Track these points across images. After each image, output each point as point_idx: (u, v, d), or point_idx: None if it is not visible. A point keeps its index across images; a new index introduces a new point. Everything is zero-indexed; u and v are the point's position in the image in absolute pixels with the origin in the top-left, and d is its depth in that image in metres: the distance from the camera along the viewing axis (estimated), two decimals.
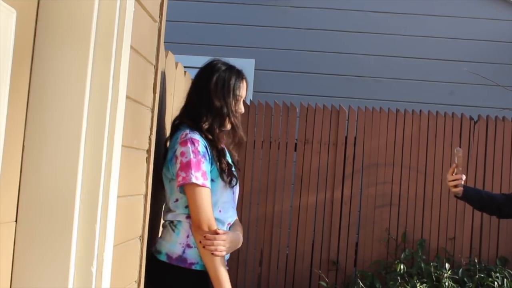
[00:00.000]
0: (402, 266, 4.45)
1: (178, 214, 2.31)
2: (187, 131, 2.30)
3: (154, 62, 1.94)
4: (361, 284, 4.39)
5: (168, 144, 2.41)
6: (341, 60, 6.21)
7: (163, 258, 2.29)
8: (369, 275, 4.54)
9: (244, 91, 2.47)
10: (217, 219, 2.29)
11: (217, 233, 2.22)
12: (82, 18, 1.40)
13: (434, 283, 4.37)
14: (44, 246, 1.37)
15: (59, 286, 1.37)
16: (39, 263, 1.36)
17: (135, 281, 1.90)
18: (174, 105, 2.90)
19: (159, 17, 1.96)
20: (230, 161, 2.43)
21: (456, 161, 2.97)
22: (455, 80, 6.14)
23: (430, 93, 6.10)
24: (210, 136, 2.32)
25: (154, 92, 1.95)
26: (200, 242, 2.22)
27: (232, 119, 2.41)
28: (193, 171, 2.21)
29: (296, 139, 4.80)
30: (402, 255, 4.58)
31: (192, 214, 2.23)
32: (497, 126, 4.84)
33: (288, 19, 6.27)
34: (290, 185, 4.80)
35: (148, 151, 1.93)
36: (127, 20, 1.50)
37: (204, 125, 2.34)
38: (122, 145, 1.54)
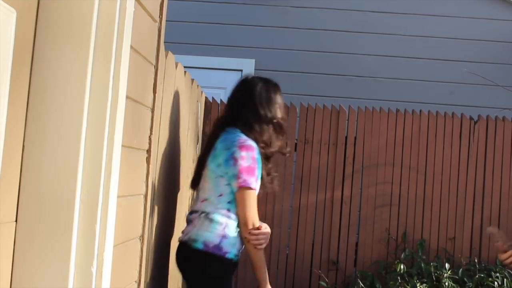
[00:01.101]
0: (402, 266, 4.45)
1: (219, 208, 2.54)
2: (244, 137, 2.56)
3: (154, 62, 1.94)
4: (361, 284, 4.39)
5: (214, 143, 2.61)
6: (341, 60, 6.20)
7: (199, 246, 2.52)
8: (369, 275, 4.54)
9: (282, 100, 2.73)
10: None
11: (259, 229, 2.54)
12: (82, 18, 1.40)
13: (434, 283, 4.37)
14: (44, 246, 1.37)
15: (59, 286, 1.37)
16: (39, 263, 1.36)
17: (135, 281, 1.90)
18: (174, 105, 2.90)
19: (159, 17, 1.96)
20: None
21: (497, 239, 2.78)
22: (455, 80, 6.14)
23: (430, 93, 6.09)
24: (262, 145, 2.59)
25: (154, 92, 1.95)
26: (245, 237, 2.54)
27: (283, 126, 2.69)
28: (252, 177, 2.50)
29: (296, 139, 4.80)
30: (402, 255, 4.58)
31: (241, 212, 2.52)
32: (497, 126, 4.84)
33: (288, 19, 6.27)
34: (290, 185, 4.80)
35: (148, 151, 1.93)
36: (127, 20, 1.50)
37: (258, 135, 2.59)
38: (122, 145, 1.54)
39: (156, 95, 1.97)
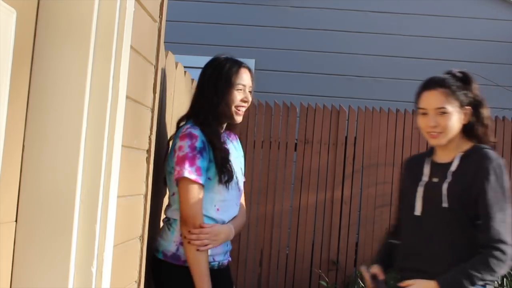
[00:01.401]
0: None
1: (173, 210, 2.35)
2: (189, 125, 2.32)
3: (154, 62, 1.94)
4: (361, 284, 4.39)
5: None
6: (341, 60, 6.20)
7: (160, 256, 2.33)
8: None
9: (243, 79, 2.40)
10: (214, 219, 2.31)
11: (202, 228, 2.23)
12: (82, 18, 1.40)
13: None
14: (44, 246, 1.37)
15: (59, 286, 1.37)
16: (39, 263, 1.36)
17: (135, 281, 1.90)
18: (174, 105, 2.90)
19: (159, 17, 1.96)
20: (234, 160, 2.40)
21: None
22: None
23: None
24: (204, 129, 2.30)
25: (154, 92, 1.95)
26: (185, 237, 2.22)
27: (226, 109, 2.36)
28: (187, 166, 2.22)
29: (296, 139, 4.80)
30: None
31: (180, 209, 2.25)
32: (497, 126, 4.84)
33: (288, 19, 6.27)
34: (290, 185, 4.80)
35: (148, 151, 1.93)
36: (127, 20, 1.50)
37: (200, 119, 2.33)
38: (122, 145, 1.54)
39: (156, 95, 1.96)
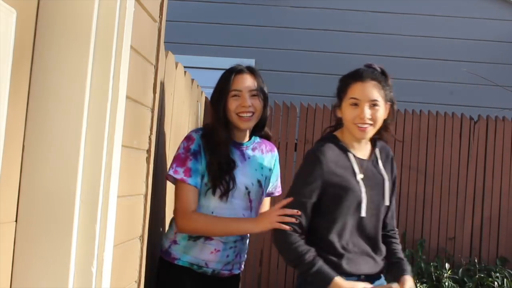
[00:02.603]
0: None
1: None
2: (198, 128, 2.43)
3: (154, 62, 1.93)
4: None
5: None
6: (341, 60, 6.20)
7: (160, 251, 2.45)
8: None
9: (238, 84, 2.38)
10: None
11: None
12: (82, 18, 1.40)
13: (434, 283, 4.37)
14: (44, 246, 1.37)
15: (59, 286, 1.37)
16: (39, 263, 1.36)
17: (135, 281, 1.90)
18: (174, 105, 2.90)
19: (159, 17, 1.96)
20: (240, 169, 2.38)
21: None
22: (455, 80, 6.14)
23: (430, 93, 6.09)
24: (206, 136, 2.35)
25: (154, 92, 1.95)
26: (179, 227, 2.32)
27: (229, 117, 2.36)
28: (175, 165, 2.31)
29: (296, 139, 4.80)
30: None
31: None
32: (497, 126, 4.84)
33: (288, 19, 6.27)
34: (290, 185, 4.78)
35: (148, 151, 1.93)
36: (127, 20, 1.50)
37: (209, 127, 2.40)
38: (122, 145, 1.54)
39: (156, 95, 1.96)
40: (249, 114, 2.38)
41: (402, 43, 6.23)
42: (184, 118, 3.36)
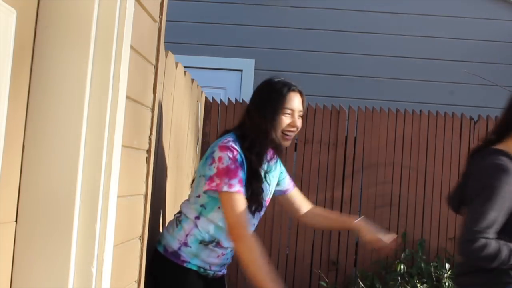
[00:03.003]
0: (402, 266, 4.45)
1: (190, 210, 2.35)
2: (230, 138, 2.30)
3: (154, 62, 1.94)
4: (361, 284, 4.39)
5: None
6: (341, 60, 6.20)
7: (160, 249, 2.36)
8: (369, 275, 4.53)
9: (292, 103, 2.36)
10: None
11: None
12: (82, 18, 1.40)
13: (434, 283, 4.37)
14: (44, 246, 1.37)
15: (59, 286, 1.37)
16: (39, 263, 1.36)
17: (135, 281, 1.90)
18: (174, 105, 2.90)
19: (159, 17, 1.96)
20: (265, 186, 2.39)
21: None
22: (455, 80, 6.13)
23: (430, 93, 6.09)
24: (248, 155, 2.30)
25: (154, 92, 1.95)
26: (233, 240, 2.26)
27: (274, 135, 2.34)
28: (227, 180, 2.22)
29: (296, 139, 4.80)
30: (402, 255, 4.58)
31: (227, 219, 2.25)
32: None
33: (288, 19, 6.27)
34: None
35: (148, 151, 1.93)
36: (127, 20, 1.50)
37: (246, 143, 2.31)
38: (122, 145, 1.54)
39: (156, 95, 1.97)
40: (293, 134, 2.40)
41: (402, 43, 6.23)
42: (184, 118, 3.37)
